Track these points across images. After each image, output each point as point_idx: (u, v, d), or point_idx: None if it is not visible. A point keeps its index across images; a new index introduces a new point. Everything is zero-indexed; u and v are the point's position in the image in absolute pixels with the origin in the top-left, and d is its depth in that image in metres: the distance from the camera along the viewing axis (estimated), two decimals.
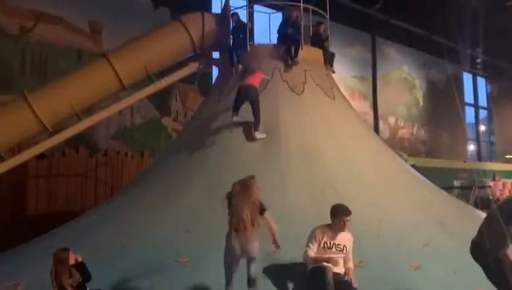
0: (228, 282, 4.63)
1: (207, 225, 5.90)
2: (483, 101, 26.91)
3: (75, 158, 10.96)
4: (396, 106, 21.06)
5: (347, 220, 4.78)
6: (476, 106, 26.25)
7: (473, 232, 4.50)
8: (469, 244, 4.46)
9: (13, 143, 7.71)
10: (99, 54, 9.17)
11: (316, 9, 9.16)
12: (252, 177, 4.77)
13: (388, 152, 8.77)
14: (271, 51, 8.32)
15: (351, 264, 4.93)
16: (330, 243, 4.80)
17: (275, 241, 4.67)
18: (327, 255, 4.75)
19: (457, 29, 18.97)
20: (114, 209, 7.20)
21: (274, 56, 8.23)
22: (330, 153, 7.30)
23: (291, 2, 8.72)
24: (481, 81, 26.82)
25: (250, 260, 4.56)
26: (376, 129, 18.74)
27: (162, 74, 8.66)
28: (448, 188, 12.43)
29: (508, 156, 24.06)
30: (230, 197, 4.67)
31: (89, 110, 8.41)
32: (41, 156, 9.63)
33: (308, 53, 8.43)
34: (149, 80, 8.38)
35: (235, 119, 7.29)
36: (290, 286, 5.25)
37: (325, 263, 4.68)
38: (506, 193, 14.83)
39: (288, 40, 8.20)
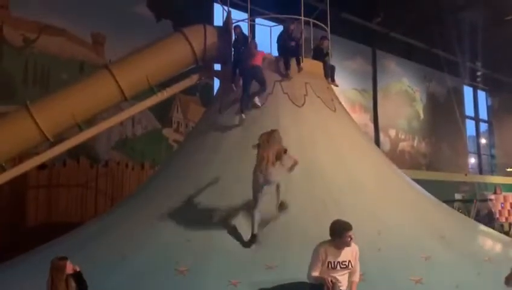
0: (255, 205, 5.92)
1: (207, 235, 5.89)
2: (483, 114, 26.93)
3: (76, 169, 10.98)
4: (397, 118, 21.09)
5: (350, 235, 4.62)
6: (476, 119, 26.27)
7: (473, 245, 4.48)
8: (470, 257, 4.44)
9: (14, 153, 7.72)
10: (101, 65, 9.24)
11: (317, 22, 9.24)
12: (275, 130, 6.08)
13: (388, 164, 8.77)
14: (272, 64, 8.35)
15: (355, 278, 4.79)
16: (334, 262, 4.62)
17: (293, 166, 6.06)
18: (332, 275, 4.56)
19: (457, 42, 19.16)
20: (114, 220, 7.20)
21: (274, 69, 8.28)
22: (331, 164, 7.31)
23: (293, 16, 8.80)
24: (481, 95, 26.87)
25: (270, 185, 5.90)
26: (377, 142, 18.72)
27: (164, 85, 8.70)
28: (450, 201, 12.36)
29: (509, 169, 23.95)
30: (259, 144, 6.00)
31: (90, 121, 8.44)
32: (42, 166, 9.62)
33: (309, 66, 8.48)
34: (151, 91, 8.42)
35: (244, 117, 7.48)
36: None
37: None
38: (508, 207, 14.72)
39: (284, 51, 8.28)
